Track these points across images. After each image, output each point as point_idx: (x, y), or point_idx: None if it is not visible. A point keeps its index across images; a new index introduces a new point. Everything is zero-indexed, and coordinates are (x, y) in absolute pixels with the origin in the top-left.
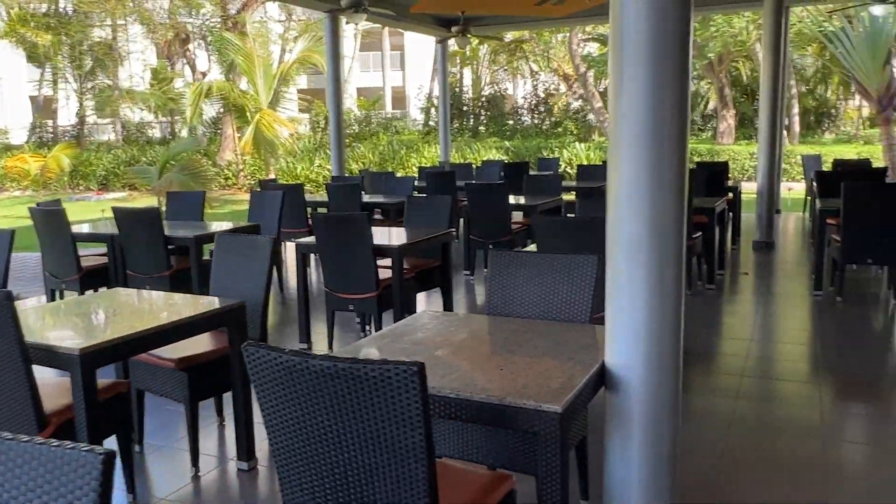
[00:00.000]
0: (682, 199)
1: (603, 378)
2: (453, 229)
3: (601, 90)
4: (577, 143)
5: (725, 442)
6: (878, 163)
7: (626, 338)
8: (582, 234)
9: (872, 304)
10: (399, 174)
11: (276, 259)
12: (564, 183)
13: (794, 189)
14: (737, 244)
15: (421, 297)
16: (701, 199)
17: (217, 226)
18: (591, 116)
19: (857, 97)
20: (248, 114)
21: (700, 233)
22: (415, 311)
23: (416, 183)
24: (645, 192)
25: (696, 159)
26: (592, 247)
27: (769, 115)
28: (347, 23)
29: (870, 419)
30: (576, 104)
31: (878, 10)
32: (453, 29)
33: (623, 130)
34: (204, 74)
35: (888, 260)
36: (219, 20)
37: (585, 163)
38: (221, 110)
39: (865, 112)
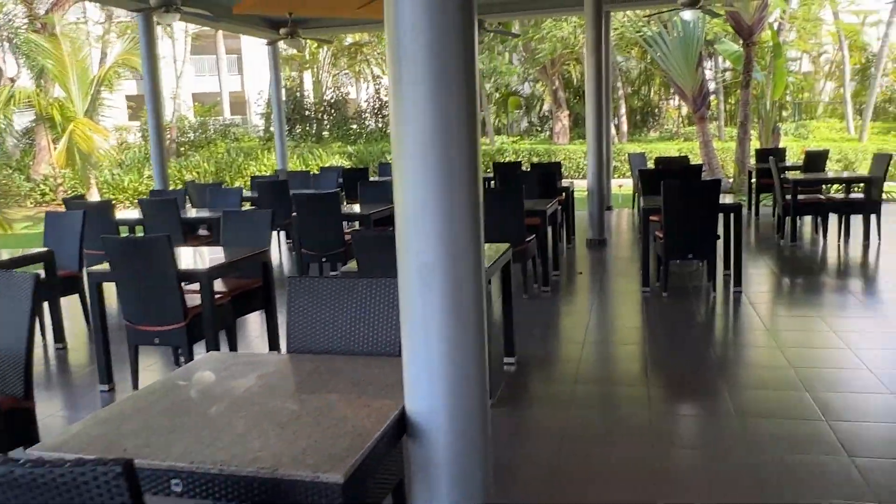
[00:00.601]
0: (478, 216)
1: (404, 425)
2: (267, 247)
3: None
4: None
5: (558, 456)
6: (696, 158)
7: (425, 379)
8: None
9: (694, 296)
10: (237, 184)
11: (78, 290)
12: None
13: (624, 186)
14: (572, 243)
15: (255, 320)
16: (534, 201)
17: None
18: None
19: (677, 97)
20: (58, 124)
21: (533, 235)
22: (235, 339)
23: (249, 193)
24: (434, 210)
25: (535, 160)
26: None
27: (595, 115)
28: (158, 23)
29: (696, 420)
30: None
31: (687, 15)
32: (282, 31)
33: (405, 143)
34: (13, 80)
35: (705, 254)
36: (25, 21)
37: None
38: (34, 120)
39: (684, 111)
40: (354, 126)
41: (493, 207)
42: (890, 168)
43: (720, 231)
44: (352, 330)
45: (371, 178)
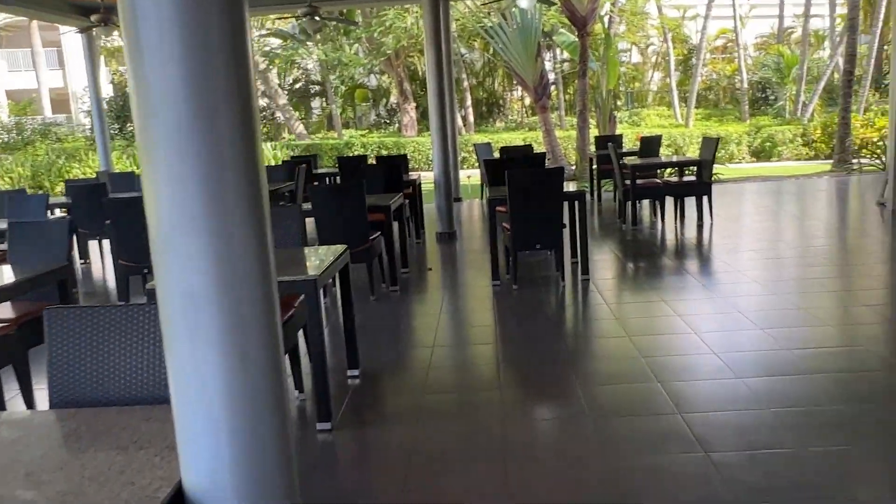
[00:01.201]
0: (262, 225)
1: None
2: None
3: (287, 87)
4: (263, 143)
5: (405, 484)
6: (540, 147)
7: (204, 445)
8: None
9: (544, 287)
10: (58, 189)
11: None
12: None
13: (472, 176)
14: (421, 237)
15: None
16: (378, 196)
17: None
18: (278, 114)
19: (519, 88)
20: None
21: (378, 232)
22: (28, 378)
23: (64, 199)
24: (200, 222)
25: (384, 153)
26: None
27: (438, 106)
28: None
29: (552, 424)
30: (262, 101)
31: (524, 3)
32: (93, 17)
33: (153, 141)
34: None
35: (553, 244)
36: None
37: (273, 163)
38: None
39: (527, 101)
40: None
41: (334, 205)
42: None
43: (566, 219)
44: (131, 370)
45: None
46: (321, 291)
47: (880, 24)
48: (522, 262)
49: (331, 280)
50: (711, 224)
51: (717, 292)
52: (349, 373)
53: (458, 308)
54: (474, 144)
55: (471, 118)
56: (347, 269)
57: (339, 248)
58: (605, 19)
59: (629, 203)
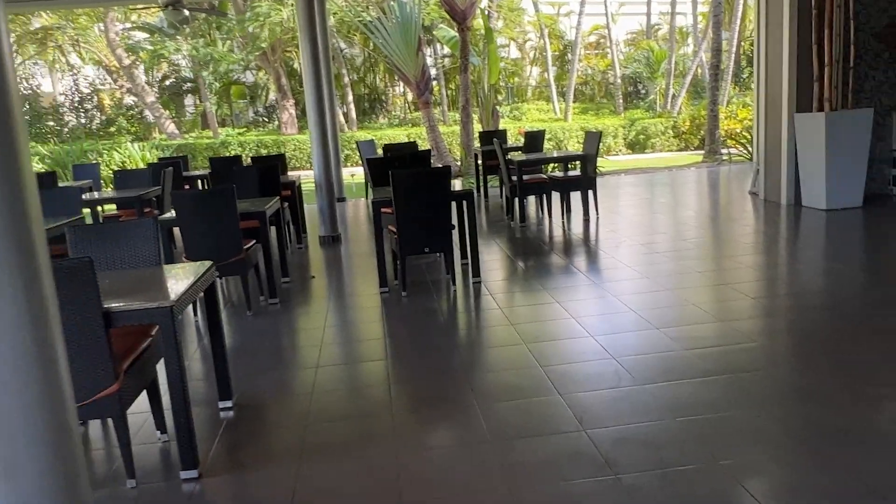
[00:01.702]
0: (32, 242)
1: None
2: None
3: (156, 83)
4: (131, 144)
5: None
6: (424, 144)
7: None
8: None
9: (435, 292)
10: None
11: None
12: (99, 195)
13: (357, 174)
14: (303, 243)
15: None
16: (250, 201)
17: None
18: (147, 113)
19: (402, 83)
20: None
21: (254, 241)
22: None
23: None
24: None
25: (264, 152)
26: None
27: (315, 102)
28: None
29: (450, 454)
30: (130, 100)
31: None
32: None
33: None
34: None
35: (442, 246)
36: None
37: (141, 165)
38: None
39: (410, 97)
40: (51, 123)
41: (201, 213)
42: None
43: (454, 220)
44: None
45: (61, 184)
46: (191, 311)
47: (738, 21)
48: (411, 266)
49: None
50: (597, 218)
51: (608, 290)
52: (221, 405)
53: (344, 320)
54: (357, 142)
55: (353, 114)
56: (214, 288)
57: (202, 265)
58: (486, 15)
59: (516, 200)
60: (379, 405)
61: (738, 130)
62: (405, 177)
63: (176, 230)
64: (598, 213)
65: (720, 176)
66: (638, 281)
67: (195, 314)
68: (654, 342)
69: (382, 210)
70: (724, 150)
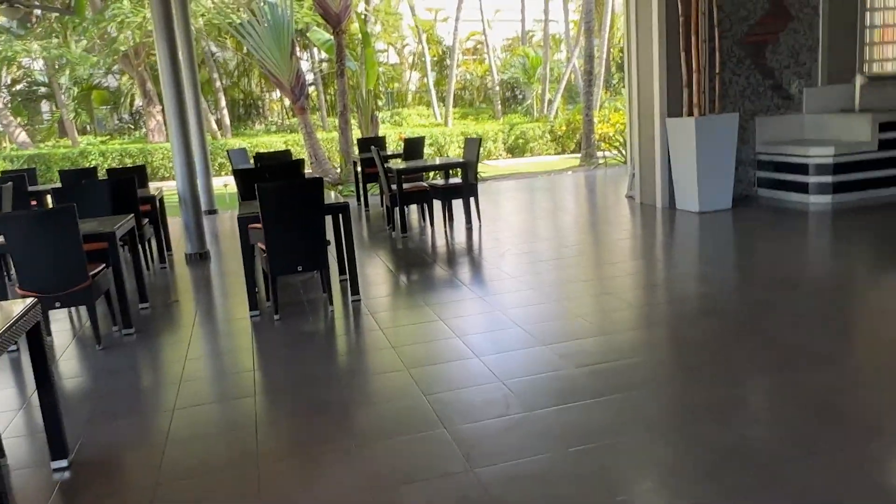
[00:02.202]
0: None
1: None
2: None
3: (5, 87)
4: None
5: None
6: (303, 151)
7: None
8: None
9: (312, 314)
10: None
11: None
12: None
13: (230, 184)
14: (167, 262)
15: None
16: (101, 220)
17: None
18: None
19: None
20: None
21: (103, 265)
22: None
23: None
24: None
25: (129, 161)
26: None
27: (176, 109)
28: None
29: None
30: None
31: None
32: None
33: None
34: None
35: (317, 264)
36: None
37: None
38: None
39: (288, 102)
40: None
41: (35, 237)
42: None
43: (330, 234)
44: None
45: None
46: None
47: (607, 29)
48: (285, 285)
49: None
50: (480, 226)
51: (494, 304)
52: (53, 465)
53: (208, 351)
54: (227, 150)
55: (227, 121)
56: (38, 330)
57: (18, 304)
58: (363, 18)
59: (396, 210)
60: (243, 454)
61: (611, 134)
62: (273, 189)
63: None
64: (480, 221)
65: (597, 180)
66: (523, 293)
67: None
68: (542, 361)
69: (251, 226)
70: (600, 154)
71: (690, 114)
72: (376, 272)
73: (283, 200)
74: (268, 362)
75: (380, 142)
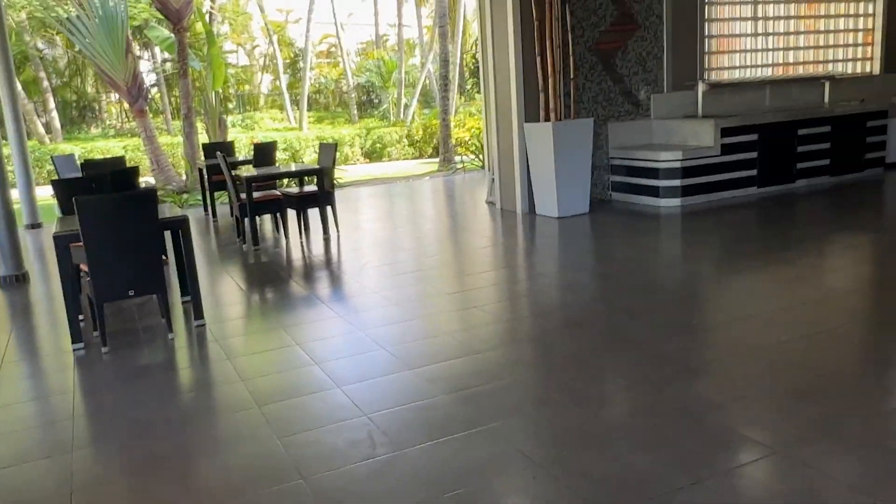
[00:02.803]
0: None
1: None
2: None
3: None
4: None
5: None
6: (143, 157)
7: None
8: None
9: (148, 344)
10: None
11: None
12: None
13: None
14: None
15: None
16: None
17: None
18: None
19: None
20: None
21: None
22: None
23: None
24: None
25: None
26: None
27: None
28: None
29: None
30: None
31: None
32: None
33: None
34: None
35: (153, 287)
36: None
37: None
38: None
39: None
40: None
41: None
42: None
43: (170, 251)
44: None
45: None
46: None
47: (460, 34)
48: (117, 311)
49: None
50: (338, 236)
51: (355, 323)
52: None
53: (18, 396)
54: (52, 157)
55: (57, 124)
56: None
57: None
58: (207, 17)
59: (247, 220)
60: None
61: (468, 139)
62: (95, 203)
63: None
64: (338, 231)
65: (456, 185)
66: (386, 309)
67: None
68: (409, 388)
69: (73, 245)
70: (458, 159)
71: (547, 119)
72: (225, 291)
73: (108, 215)
74: (92, 407)
75: (227, 147)
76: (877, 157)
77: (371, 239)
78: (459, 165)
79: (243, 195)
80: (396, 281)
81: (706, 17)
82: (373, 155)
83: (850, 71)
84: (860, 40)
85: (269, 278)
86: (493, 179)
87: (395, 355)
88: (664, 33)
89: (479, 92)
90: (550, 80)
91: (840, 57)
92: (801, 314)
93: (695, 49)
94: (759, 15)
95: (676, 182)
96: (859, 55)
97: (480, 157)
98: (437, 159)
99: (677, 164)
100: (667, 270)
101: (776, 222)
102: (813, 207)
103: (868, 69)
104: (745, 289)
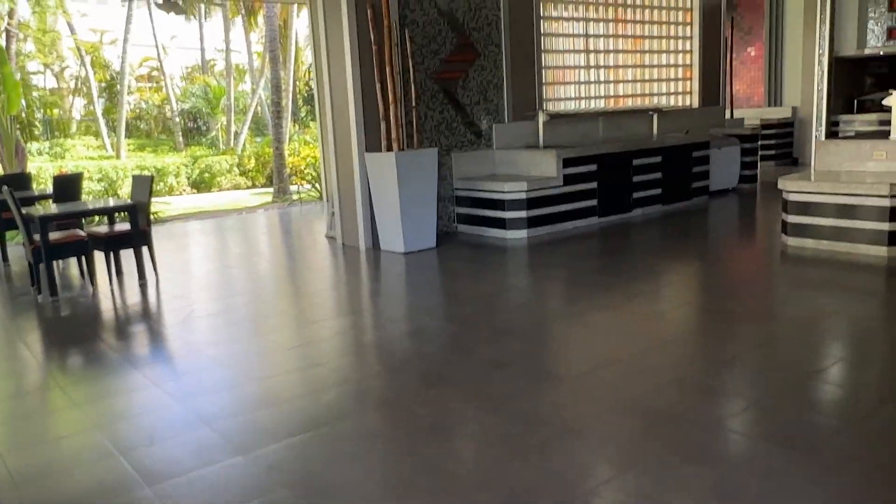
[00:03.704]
0: None
1: None
2: None
3: None
4: None
5: None
6: None
7: None
8: None
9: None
10: None
11: None
12: None
13: None
14: None
15: None
16: None
17: None
18: None
19: None
20: None
21: None
22: None
23: None
24: None
25: None
26: None
27: None
28: None
29: None
30: None
31: None
32: None
33: None
34: None
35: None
36: None
37: None
38: None
39: None
40: None
41: None
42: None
43: None
44: None
45: None
46: None
47: (293, 60)
48: None
49: None
50: (157, 281)
51: (175, 395)
52: None
53: None
54: None
55: None
56: None
57: None
58: (3, 35)
59: (42, 265)
60: None
61: (303, 168)
62: None
63: None
64: (157, 274)
65: (293, 218)
66: (213, 373)
67: None
68: (243, 482)
69: None
70: (294, 188)
71: (390, 148)
72: (9, 358)
73: None
74: None
75: (22, 179)
76: (702, 185)
77: (198, 282)
78: (296, 196)
79: (37, 237)
80: (227, 334)
81: (542, 47)
82: (201, 185)
83: (672, 104)
84: (681, 75)
85: (68, 337)
86: (333, 213)
87: (224, 435)
88: (503, 63)
89: (314, 120)
90: (392, 108)
91: (664, 90)
92: (662, 357)
93: (533, 79)
94: (591, 48)
95: (522, 213)
96: (680, 89)
97: (317, 186)
98: (272, 190)
99: (522, 196)
100: (522, 311)
101: (619, 253)
102: (649, 237)
103: (688, 102)
104: (604, 329)
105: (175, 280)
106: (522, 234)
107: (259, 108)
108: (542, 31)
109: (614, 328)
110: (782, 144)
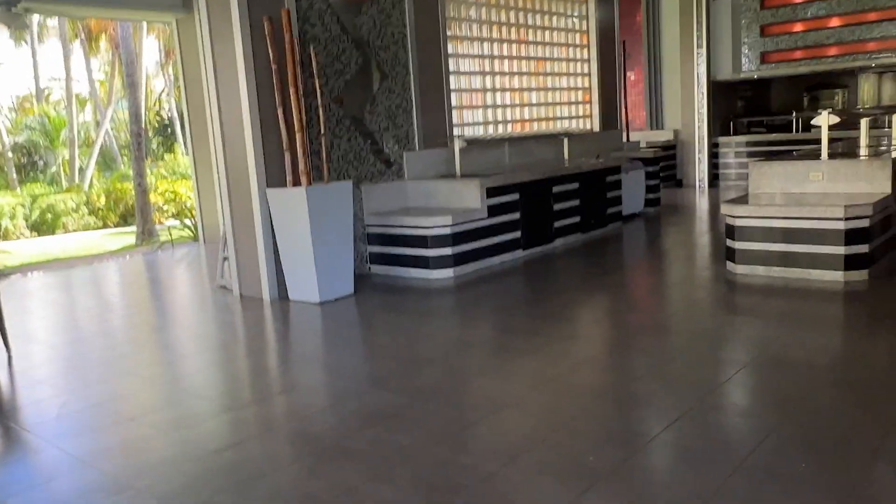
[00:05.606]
0: None
1: None
2: None
3: None
4: None
5: None
6: None
7: None
8: None
9: None
10: None
11: None
12: None
13: None
14: None
15: None
16: None
17: None
18: None
19: None
20: None
21: None
22: None
23: None
24: None
25: None
26: None
27: None
28: None
29: None
30: None
31: None
32: None
33: None
34: None
35: None
36: None
37: None
38: None
39: None
40: None
41: None
42: None
43: None
44: None
45: None
46: None
47: (143, 87)
48: None
49: None
50: (10, 359)
51: None
52: None
53: None
54: None
55: None
56: None
57: None
58: None
59: None
60: None
61: (162, 204)
62: None
63: None
64: (9, 350)
65: (168, 265)
66: (92, 484)
67: None
68: None
69: None
70: (161, 227)
71: (297, 183)
72: None
73: None
74: None
75: None
76: (615, 211)
77: (62, 359)
78: (164, 238)
79: None
80: (108, 440)
81: (450, 69)
82: (42, 227)
83: (575, 127)
84: (581, 98)
85: None
86: (226, 258)
87: None
88: (412, 85)
89: (168, 152)
90: (298, 137)
91: (566, 114)
92: (610, 414)
93: (443, 103)
94: (496, 70)
95: (448, 251)
96: (581, 113)
97: (189, 226)
98: (133, 230)
99: (447, 231)
100: (457, 366)
101: (548, 289)
102: (581, 272)
103: (589, 126)
104: (549, 387)
105: (32, 357)
106: (449, 272)
107: (107, 141)
108: (448, 52)
109: (566, 386)
110: (666, 167)
